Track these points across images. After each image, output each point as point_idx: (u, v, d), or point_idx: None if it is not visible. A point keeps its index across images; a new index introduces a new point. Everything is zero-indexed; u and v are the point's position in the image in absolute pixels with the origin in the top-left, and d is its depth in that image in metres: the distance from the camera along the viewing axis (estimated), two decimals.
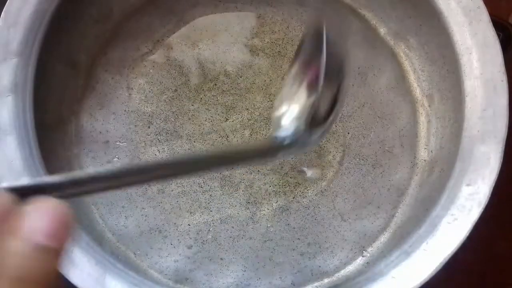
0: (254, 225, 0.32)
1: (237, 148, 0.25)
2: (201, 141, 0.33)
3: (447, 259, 0.26)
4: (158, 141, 0.33)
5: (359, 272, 0.30)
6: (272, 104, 0.34)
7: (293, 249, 0.32)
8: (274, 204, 0.33)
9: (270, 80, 0.34)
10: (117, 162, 0.32)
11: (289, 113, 0.21)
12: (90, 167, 0.32)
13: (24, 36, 0.27)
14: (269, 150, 0.21)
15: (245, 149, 0.21)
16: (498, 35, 0.28)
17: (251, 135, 0.34)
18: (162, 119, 0.33)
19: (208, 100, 0.34)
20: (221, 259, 0.31)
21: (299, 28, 0.34)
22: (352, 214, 0.32)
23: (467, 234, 0.26)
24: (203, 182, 0.33)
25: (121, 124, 0.33)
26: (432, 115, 0.32)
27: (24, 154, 0.26)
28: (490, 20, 0.28)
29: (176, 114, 0.33)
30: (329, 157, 0.33)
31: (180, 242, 0.32)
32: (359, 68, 0.34)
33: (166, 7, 0.34)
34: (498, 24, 0.35)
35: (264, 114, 0.34)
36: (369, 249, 0.31)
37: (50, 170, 0.28)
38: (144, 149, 0.33)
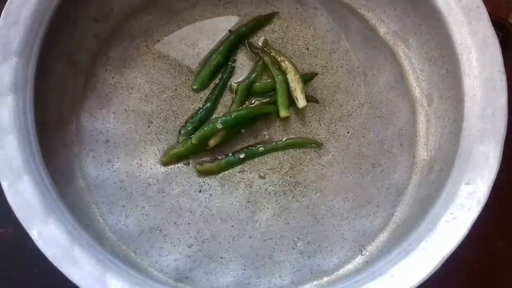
0: (254, 224, 0.32)
1: None
2: None
3: (446, 257, 0.26)
4: (158, 140, 0.33)
5: (358, 271, 0.30)
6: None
7: (293, 248, 0.32)
8: (274, 203, 0.33)
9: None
10: (118, 161, 0.32)
11: None
12: (90, 167, 0.32)
13: (24, 36, 0.27)
14: None
15: None
16: (498, 35, 0.28)
17: (251, 132, 0.34)
18: (162, 118, 0.33)
19: None
20: (221, 258, 0.31)
21: (299, 28, 0.34)
22: (351, 213, 0.32)
23: (466, 233, 0.26)
24: (203, 182, 0.33)
25: (121, 124, 0.33)
26: (431, 115, 0.32)
27: (25, 153, 0.26)
28: (490, 20, 0.28)
29: (176, 113, 0.34)
30: (328, 156, 0.33)
31: (180, 241, 0.32)
32: (358, 67, 0.34)
33: (166, 7, 0.34)
34: (498, 24, 0.35)
35: None
36: (368, 248, 0.31)
37: (50, 170, 0.28)
38: (144, 148, 0.33)
